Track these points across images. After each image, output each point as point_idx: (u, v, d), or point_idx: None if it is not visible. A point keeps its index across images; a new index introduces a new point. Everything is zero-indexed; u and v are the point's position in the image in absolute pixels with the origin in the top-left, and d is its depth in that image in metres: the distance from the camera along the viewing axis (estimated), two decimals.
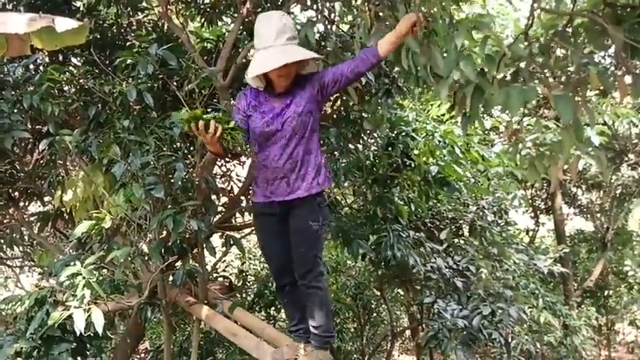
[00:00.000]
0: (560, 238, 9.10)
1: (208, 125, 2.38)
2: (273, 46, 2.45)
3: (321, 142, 4.31)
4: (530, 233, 10.47)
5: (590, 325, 7.39)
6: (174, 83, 3.56)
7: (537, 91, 2.05)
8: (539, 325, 6.01)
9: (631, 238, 10.84)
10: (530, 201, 10.24)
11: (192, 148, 3.68)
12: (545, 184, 9.55)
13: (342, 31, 3.80)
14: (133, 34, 4.70)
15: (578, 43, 2.08)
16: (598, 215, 9.91)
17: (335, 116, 4.40)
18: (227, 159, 2.71)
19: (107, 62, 3.83)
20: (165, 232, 4.04)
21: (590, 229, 10.65)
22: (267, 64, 2.43)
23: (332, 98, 4.40)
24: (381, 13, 2.80)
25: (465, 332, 4.60)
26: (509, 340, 5.49)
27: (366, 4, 2.93)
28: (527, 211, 10.69)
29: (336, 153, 4.41)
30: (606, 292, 9.39)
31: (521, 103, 2.00)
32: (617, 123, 8.33)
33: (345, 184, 4.83)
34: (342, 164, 4.45)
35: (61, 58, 4.38)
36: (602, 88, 1.97)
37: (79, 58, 4.45)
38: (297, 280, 2.73)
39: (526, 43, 2.08)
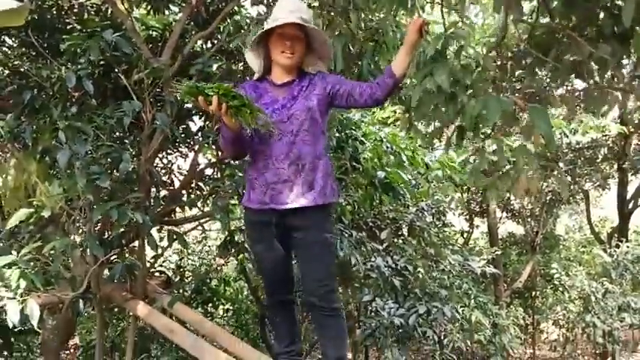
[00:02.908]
0: (493, 241, 9.47)
1: (210, 98, 2.04)
2: (285, 18, 2.21)
3: None
4: (465, 235, 10.83)
5: (517, 324, 7.73)
6: (118, 72, 3.45)
7: (513, 102, 2.07)
8: (470, 323, 6.22)
9: (558, 243, 11.42)
10: (465, 204, 10.59)
11: (136, 139, 3.57)
12: (480, 189, 9.91)
13: None
14: (74, 18, 4.50)
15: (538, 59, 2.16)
16: (529, 220, 10.38)
17: None
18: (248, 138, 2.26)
19: (45, 45, 3.66)
20: (100, 225, 3.93)
21: (520, 232, 11.13)
22: (276, 22, 2.20)
23: None
24: (332, 19, 2.81)
25: (400, 330, 4.71)
26: (442, 337, 5.67)
27: (319, 9, 2.93)
28: (462, 213, 11.06)
29: None
30: (533, 293, 9.87)
31: (499, 112, 2.02)
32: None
33: None
34: None
35: None
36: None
37: (14, 39, 4.21)
38: (312, 301, 2.33)
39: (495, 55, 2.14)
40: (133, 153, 3.66)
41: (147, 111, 3.35)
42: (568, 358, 7.67)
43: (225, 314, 6.74)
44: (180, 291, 5.39)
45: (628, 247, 8.95)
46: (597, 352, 7.89)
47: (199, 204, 4.18)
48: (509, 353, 7.20)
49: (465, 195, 10.41)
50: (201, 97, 2.03)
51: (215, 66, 3.87)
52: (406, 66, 2.22)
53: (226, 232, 3.92)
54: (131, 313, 3.89)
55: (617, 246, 8.87)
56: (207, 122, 4.27)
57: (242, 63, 4.21)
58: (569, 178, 10.08)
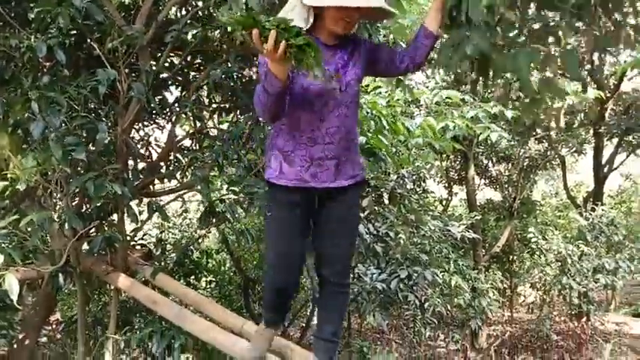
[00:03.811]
0: (471, 207, 9.60)
1: (266, 32, 1.66)
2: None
3: (249, 108, 4.24)
4: (444, 202, 10.96)
5: (496, 287, 7.92)
6: (91, 41, 3.35)
7: (540, 51, 2.05)
8: (450, 288, 6.35)
9: (535, 208, 11.66)
10: (445, 172, 10.69)
11: (112, 110, 3.48)
12: (459, 156, 10.00)
13: None
14: None
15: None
16: (506, 186, 10.54)
17: None
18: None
19: (12, 15, 3.52)
20: (77, 199, 3.87)
21: (498, 198, 11.32)
22: (356, 2, 1.86)
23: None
24: None
25: (382, 295, 4.78)
26: (423, 302, 5.78)
27: None
28: (441, 181, 11.18)
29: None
30: (511, 258, 10.09)
31: (529, 64, 2.00)
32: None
33: None
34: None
35: None
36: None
37: None
38: (328, 276, 2.23)
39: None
40: (109, 124, 3.58)
41: (122, 80, 3.27)
42: (545, 320, 7.88)
43: (208, 286, 6.76)
44: (162, 263, 5.37)
45: (603, 210, 9.17)
46: (573, 312, 8.13)
47: (178, 176, 4.13)
48: (488, 316, 7.40)
49: (445, 163, 10.51)
50: (256, 31, 1.64)
51: (190, 34, 3.78)
52: (440, 21, 2.06)
53: (207, 203, 3.89)
54: (112, 287, 3.86)
55: (593, 209, 9.08)
56: (184, 92, 4.20)
57: (219, 30, 4.12)
58: (545, 144, 10.23)
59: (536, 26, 2.19)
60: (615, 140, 11.61)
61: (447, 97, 6.65)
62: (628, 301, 10.44)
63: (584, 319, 7.93)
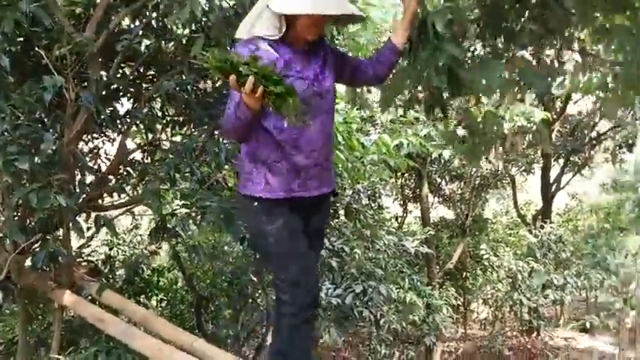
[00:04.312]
0: (425, 224, 9.73)
1: (244, 78, 1.63)
2: (335, 8, 1.89)
3: (204, 121, 4.18)
4: (399, 219, 11.08)
5: (450, 304, 8.00)
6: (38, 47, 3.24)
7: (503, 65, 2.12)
8: (405, 304, 6.38)
9: (486, 225, 11.93)
10: (400, 189, 10.83)
11: (58, 119, 3.36)
12: (414, 174, 10.15)
13: (228, 2, 3.68)
14: None
15: None
16: (459, 204, 10.75)
17: (216, 95, 4.28)
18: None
19: None
20: (20, 211, 3.69)
21: (451, 216, 11.53)
22: (325, 6, 1.83)
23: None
24: None
25: (337, 310, 4.75)
26: (379, 318, 5.78)
27: None
28: (397, 198, 11.30)
29: (216, 133, 4.30)
30: (464, 274, 10.25)
31: (499, 75, 2.06)
32: (479, 118, 9.08)
33: (226, 167, 4.74)
34: (225, 146, 4.34)
35: None
36: None
37: None
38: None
39: None
40: (55, 134, 3.45)
41: (70, 89, 3.16)
42: (497, 336, 8.01)
43: (159, 305, 6.56)
44: (110, 281, 5.18)
45: (551, 228, 9.47)
46: (524, 328, 8.31)
47: (128, 189, 4.01)
48: (442, 332, 7.46)
49: (400, 180, 10.65)
50: (233, 77, 1.62)
51: (143, 45, 3.71)
52: (407, 34, 2.11)
53: (158, 218, 3.79)
54: (57, 305, 3.67)
55: (542, 227, 9.36)
56: (135, 104, 4.10)
57: (172, 42, 4.06)
58: (496, 164, 10.51)
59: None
60: (562, 161, 12.07)
61: (401, 116, 6.75)
62: (576, 317, 10.74)
63: (534, 334, 8.12)
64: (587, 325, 8.49)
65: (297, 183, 1.99)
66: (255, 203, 2.01)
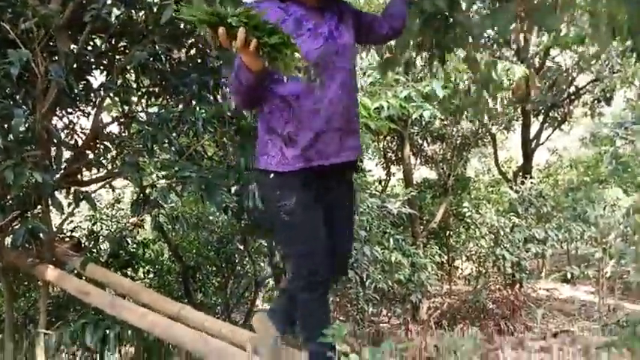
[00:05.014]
0: (408, 186, 9.80)
1: (234, 31, 1.47)
2: None
3: (179, 90, 4.12)
4: (383, 183, 11.14)
5: (434, 262, 8.14)
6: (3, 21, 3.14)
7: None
8: (391, 264, 6.48)
9: (468, 184, 12.05)
10: (382, 152, 10.86)
11: (29, 95, 3.30)
12: (396, 137, 10.17)
13: None
14: None
15: None
16: (441, 164, 10.82)
17: (190, 64, 4.21)
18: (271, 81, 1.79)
19: None
20: None
21: (434, 177, 11.62)
22: None
23: (188, 44, 4.20)
24: None
25: None
26: (365, 279, 5.88)
27: None
28: (380, 162, 11.34)
29: (193, 102, 4.25)
30: (448, 233, 10.41)
31: (508, 20, 2.05)
32: (458, 78, 9.08)
33: (205, 136, 4.70)
34: (202, 114, 4.30)
35: None
36: None
37: None
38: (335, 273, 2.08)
39: None
40: (28, 110, 3.39)
41: (38, 63, 3.10)
42: (481, 290, 8.20)
43: (146, 277, 6.59)
44: (95, 255, 5.18)
45: (532, 183, 9.59)
46: (507, 282, 8.50)
47: (106, 162, 3.98)
48: (428, 289, 7.62)
49: (382, 144, 10.67)
50: (222, 30, 1.46)
51: (114, 16, 3.62)
52: None
53: (138, 190, 3.78)
54: (41, 281, 3.68)
55: (522, 183, 9.48)
56: (108, 76, 4.03)
57: (143, 11, 3.97)
58: (477, 123, 10.57)
59: None
60: (541, 117, 12.16)
61: (380, 78, 6.71)
62: (557, 268, 11.01)
63: (517, 287, 8.31)
64: (568, 275, 8.70)
65: (314, 150, 1.86)
66: (271, 176, 1.92)
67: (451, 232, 10.41)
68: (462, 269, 10.64)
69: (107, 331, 3.17)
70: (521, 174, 11.37)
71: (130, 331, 4.05)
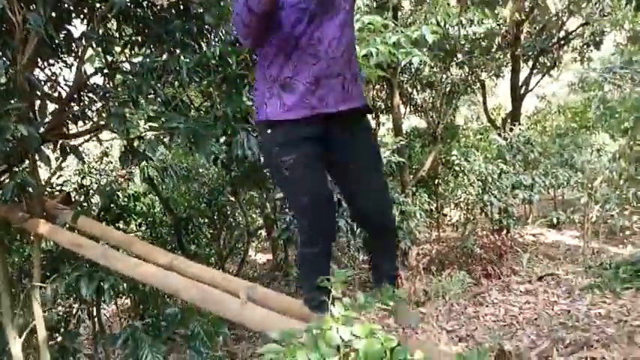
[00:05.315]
0: (398, 135, 9.81)
1: None
2: None
3: (162, 39, 4.02)
4: (372, 132, 11.14)
5: (423, 209, 8.25)
6: None
7: None
8: None
9: (457, 132, 12.08)
10: (371, 101, 10.78)
11: (8, 46, 3.20)
12: (385, 85, 10.08)
13: None
14: None
15: None
16: (430, 113, 10.79)
17: (173, 10, 4.09)
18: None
19: None
20: None
21: (423, 126, 11.61)
22: None
23: None
24: None
25: None
26: (355, 227, 5.95)
27: None
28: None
29: (177, 50, 4.15)
30: (436, 181, 10.50)
31: None
32: (448, 24, 8.93)
33: (191, 86, 4.62)
34: (186, 63, 4.21)
35: None
36: None
37: None
38: (374, 221, 2.02)
39: None
40: (8, 63, 3.30)
41: (15, 11, 2.99)
42: (469, 236, 8.34)
43: (138, 229, 6.63)
44: (86, 209, 5.18)
45: (520, 130, 9.63)
46: (494, 227, 8.65)
47: (91, 115, 3.92)
48: (417, 236, 7.74)
49: (371, 93, 10.58)
50: None
51: None
52: None
53: (125, 142, 3.74)
54: (33, 235, 3.69)
55: (511, 130, 9.51)
56: (89, 25, 3.91)
57: None
58: (466, 69, 10.48)
59: None
60: (531, 63, 12.06)
61: (369, 23, 6.57)
62: (544, 214, 11.20)
63: (504, 232, 8.47)
64: (555, 221, 8.86)
65: (316, 97, 1.79)
66: (269, 130, 1.86)
67: (440, 180, 10.50)
68: (450, 216, 10.79)
69: (101, 283, 3.21)
70: (509, 121, 11.38)
71: (125, 284, 4.11)
